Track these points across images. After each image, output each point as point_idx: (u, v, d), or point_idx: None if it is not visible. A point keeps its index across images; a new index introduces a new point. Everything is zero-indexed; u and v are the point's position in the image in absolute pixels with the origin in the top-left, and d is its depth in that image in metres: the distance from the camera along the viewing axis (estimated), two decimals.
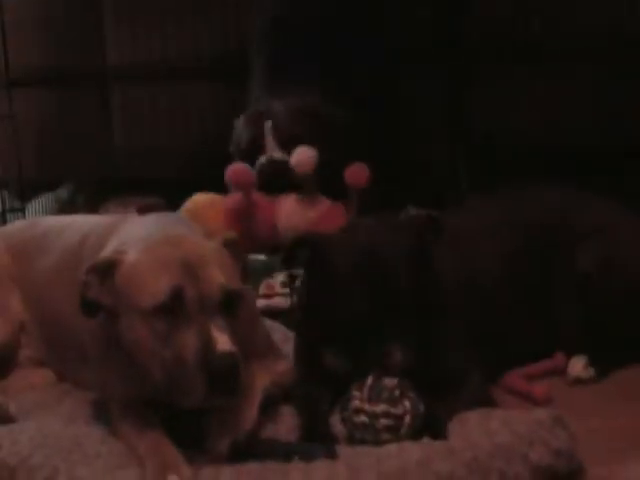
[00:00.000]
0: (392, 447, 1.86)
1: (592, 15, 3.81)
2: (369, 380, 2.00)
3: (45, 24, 4.68)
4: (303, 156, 3.43)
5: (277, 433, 2.04)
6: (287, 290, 2.90)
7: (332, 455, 1.86)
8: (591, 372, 2.38)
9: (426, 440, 1.90)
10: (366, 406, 1.97)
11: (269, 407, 2.10)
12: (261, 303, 2.82)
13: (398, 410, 1.96)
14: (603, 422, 2.11)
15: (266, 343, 2.25)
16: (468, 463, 1.76)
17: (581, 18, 3.84)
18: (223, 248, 2.00)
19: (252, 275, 2.30)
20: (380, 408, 1.96)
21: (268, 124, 3.59)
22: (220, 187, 4.04)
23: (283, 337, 2.52)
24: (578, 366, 2.39)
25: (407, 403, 1.97)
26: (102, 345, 2.07)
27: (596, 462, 1.88)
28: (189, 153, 4.54)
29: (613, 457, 1.94)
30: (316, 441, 1.95)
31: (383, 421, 1.95)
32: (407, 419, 1.95)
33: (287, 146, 3.53)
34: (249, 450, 1.89)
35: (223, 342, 1.82)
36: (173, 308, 1.85)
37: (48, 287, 2.40)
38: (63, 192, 4.38)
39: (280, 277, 3.00)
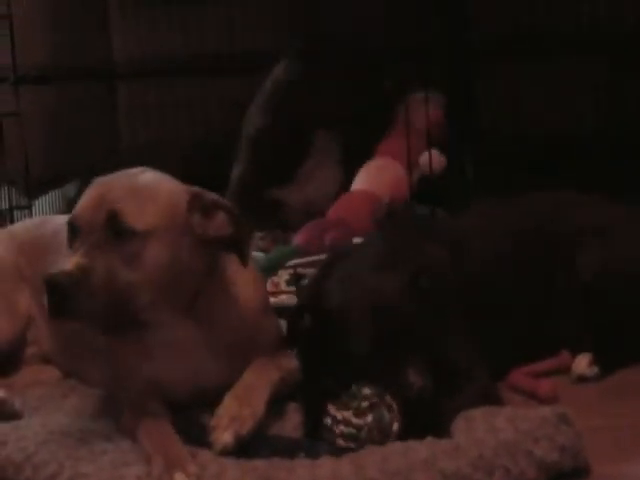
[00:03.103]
0: (398, 445, 1.86)
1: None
2: (353, 387, 1.98)
3: (51, 21, 4.68)
4: None
5: (283, 430, 2.04)
6: (292, 288, 2.90)
7: (337, 452, 1.86)
8: (595, 370, 2.38)
9: (430, 438, 1.89)
10: (332, 410, 1.96)
11: (276, 404, 2.09)
12: None
13: (359, 421, 1.93)
14: (607, 420, 2.11)
15: (276, 339, 2.24)
16: (473, 461, 1.76)
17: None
18: (180, 192, 1.99)
19: None
20: (341, 415, 1.94)
21: None
22: (226, 185, 4.04)
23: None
24: (582, 364, 2.38)
25: (370, 417, 1.93)
26: None
27: (601, 460, 1.88)
28: (196, 150, 4.54)
29: (618, 455, 1.94)
30: (321, 439, 1.95)
31: (342, 428, 1.93)
32: (364, 432, 1.92)
33: None
34: (254, 446, 1.90)
35: (65, 262, 1.85)
36: (74, 230, 1.92)
37: None
38: (70, 189, 4.37)
39: (285, 275, 3.00)
